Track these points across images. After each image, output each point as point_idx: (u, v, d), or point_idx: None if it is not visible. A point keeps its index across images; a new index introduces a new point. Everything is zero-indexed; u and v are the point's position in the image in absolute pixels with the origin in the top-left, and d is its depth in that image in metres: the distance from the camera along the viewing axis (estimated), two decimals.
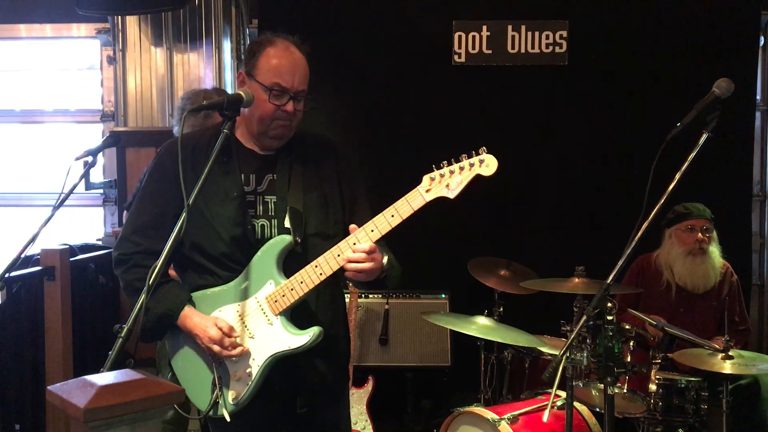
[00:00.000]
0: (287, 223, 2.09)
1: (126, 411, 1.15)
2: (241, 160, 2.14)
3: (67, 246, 3.78)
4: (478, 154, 1.98)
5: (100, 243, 4.62)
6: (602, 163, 4.55)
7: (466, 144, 2.07)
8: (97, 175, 4.75)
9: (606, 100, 4.52)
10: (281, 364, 2.06)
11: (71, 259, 3.70)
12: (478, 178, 1.97)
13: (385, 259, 2.08)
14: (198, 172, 1.91)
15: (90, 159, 3.37)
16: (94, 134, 4.90)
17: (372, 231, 2.01)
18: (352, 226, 2.03)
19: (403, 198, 2.00)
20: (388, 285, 2.16)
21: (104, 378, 1.20)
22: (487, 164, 1.96)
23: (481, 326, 3.21)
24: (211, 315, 2.09)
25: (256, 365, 2.05)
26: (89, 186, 4.32)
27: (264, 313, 2.07)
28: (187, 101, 3.43)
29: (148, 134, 4.49)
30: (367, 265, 1.99)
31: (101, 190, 4.75)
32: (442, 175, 1.98)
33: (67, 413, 1.12)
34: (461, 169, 1.97)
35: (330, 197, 2.18)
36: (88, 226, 4.99)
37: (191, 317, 2.06)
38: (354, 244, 2.01)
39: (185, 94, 3.51)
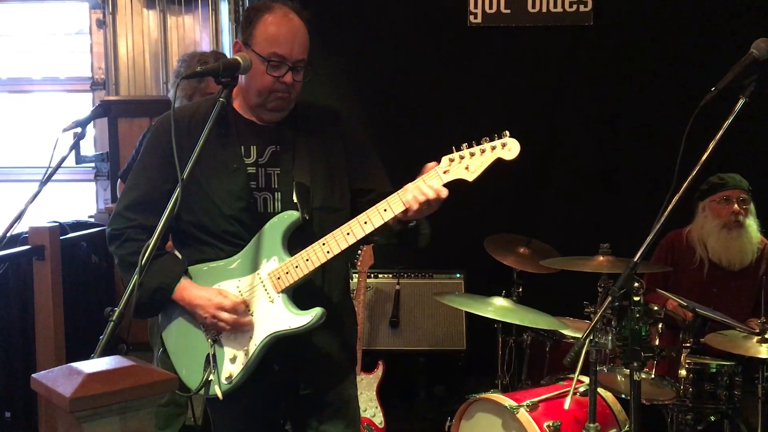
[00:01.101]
0: (294, 198, 2.11)
1: (115, 400, 1.15)
2: (240, 131, 2.15)
3: (57, 223, 3.79)
4: (500, 136, 1.99)
5: (92, 220, 4.64)
6: (630, 133, 4.50)
7: (482, 114, 2.06)
8: (88, 148, 4.76)
9: (634, 65, 4.45)
10: (282, 343, 2.09)
11: (62, 238, 3.71)
12: (499, 162, 1.98)
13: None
14: (194, 145, 1.91)
15: (78, 130, 3.38)
16: (85, 104, 4.89)
17: (385, 210, 2.02)
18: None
19: (419, 178, 2.02)
20: (420, 242, 2.19)
21: (92, 365, 1.20)
22: (509, 148, 1.97)
23: (498, 308, 3.20)
24: None
25: (253, 344, 2.08)
26: (80, 159, 4.36)
27: (265, 290, 2.09)
28: (183, 64, 3.41)
29: (141, 104, 4.49)
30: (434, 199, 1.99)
31: (92, 164, 4.76)
32: (462, 157, 2.00)
33: (52, 402, 1.12)
34: (482, 151, 1.98)
35: (336, 169, 2.20)
36: (79, 202, 5.00)
37: (189, 289, 2.10)
38: (365, 223, 2.01)
39: (182, 57, 3.50)
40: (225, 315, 2.05)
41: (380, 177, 2.16)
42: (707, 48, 4.28)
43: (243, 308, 2.07)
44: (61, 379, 1.14)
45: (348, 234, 2.03)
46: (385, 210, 2.02)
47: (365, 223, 2.03)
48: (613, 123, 4.52)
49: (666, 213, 2.02)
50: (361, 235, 2.03)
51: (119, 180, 3.73)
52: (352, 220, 2.04)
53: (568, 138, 4.55)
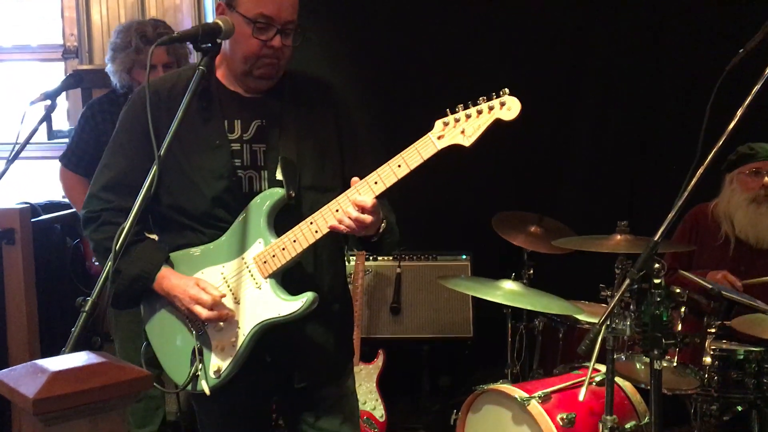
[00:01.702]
0: (279, 175, 2.10)
1: (83, 401, 1.13)
2: (224, 104, 2.14)
3: (28, 205, 3.77)
4: (498, 95, 1.95)
5: (66, 201, 4.60)
6: (650, 101, 4.46)
7: (486, 81, 2.03)
8: (60, 122, 4.71)
9: (657, 25, 4.40)
10: (273, 333, 2.08)
11: (33, 220, 3.69)
12: (499, 123, 1.94)
13: (383, 225, 2.09)
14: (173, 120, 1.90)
15: (48, 103, 3.35)
16: (58, 73, 4.84)
17: (375, 183, 2.00)
18: (354, 179, 2.02)
19: (411, 146, 1.98)
20: (381, 250, 2.19)
21: (58, 362, 1.19)
22: (508, 107, 1.94)
23: (507, 292, 3.21)
24: (193, 276, 2.12)
25: (241, 334, 2.07)
26: (52, 135, 4.31)
27: (252, 275, 2.08)
28: (119, 36, 3.38)
29: None
30: (365, 218, 1.98)
31: (66, 140, 4.70)
32: (456, 120, 1.96)
33: (15, 404, 1.10)
34: (479, 113, 1.95)
35: (327, 145, 2.19)
36: (52, 181, 4.96)
37: (169, 278, 2.09)
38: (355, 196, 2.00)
39: (116, 29, 3.48)
40: (199, 310, 2.04)
41: (369, 165, 2.13)
42: (743, 6, 4.20)
43: (215, 299, 2.05)
44: (24, 378, 1.12)
45: (338, 211, 2.02)
46: (311, 223, 2.02)
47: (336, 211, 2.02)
48: (632, 93, 4.48)
49: (689, 187, 2.02)
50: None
51: (60, 165, 3.68)
52: (341, 195, 2.03)
53: (585, 107, 4.51)
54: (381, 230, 2.09)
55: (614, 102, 4.49)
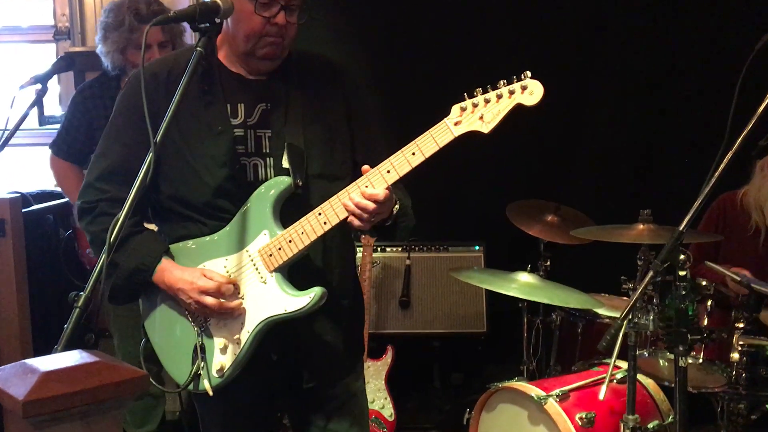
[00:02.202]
0: (285, 163, 2.09)
1: (76, 402, 1.13)
2: (226, 87, 2.12)
3: (19, 194, 3.77)
4: (519, 78, 1.93)
5: (59, 190, 4.61)
6: (673, 81, 4.43)
7: (502, 63, 2.01)
8: (52, 107, 4.71)
9: (678, 1, 4.36)
10: (279, 330, 2.08)
11: (24, 210, 3.70)
12: (520, 108, 1.92)
13: (396, 207, 2.08)
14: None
15: (39, 87, 3.35)
16: (50, 56, 4.84)
17: (388, 172, 1.98)
18: (365, 167, 2.01)
19: (426, 132, 1.97)
20: (394, 235, 2.18)
21: (49, 362, 1.18)
22: (530, 91, 1.92)
23: (523, 284, 3.20)
24: None
25: (245, 331, 2.07)
26: (43, 120, 4.31)
27: (256, 269, 2.08)
28: (110, 15, 3.36)
29: None
30: (378, 209, 1.97)
31: (58, 125, 4.70)
32: (475, 105, 1.94)
33: (3, 406, 1.10)
34: (498, 97, 1.93)
35: (336, 131, 2.17)
36: (44, 169, 4.97)
37: (171, 271, 2.09)
38: (366, 188, 1.99)
39: (107, 7, 3.46)
40: (209, 300, 2.03)
41: (381, 151, 2.12)
42: None
43: (230, 290, 2.05)
44: (14, 378, 1.12)
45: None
46: (366, 187, 1.99)
47: (366, 188, 2.00)
48: (655, 74, 4.45)
49: (717, 173, 2.01)
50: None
51: (50, 152, 3.68)
52: (351, 185, 2.01)
53: (606, 88, 4.49)
54: (394, 214, 2.08)
55: (635, 83, 4.46)
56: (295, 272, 2.09)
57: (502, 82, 1.94)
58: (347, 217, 2.01)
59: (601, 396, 2.79)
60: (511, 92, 1.92)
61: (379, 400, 3.98)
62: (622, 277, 3.26)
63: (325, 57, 2.30)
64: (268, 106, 2.13)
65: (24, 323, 3.47)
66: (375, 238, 2.19)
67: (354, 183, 2.00)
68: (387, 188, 1.97)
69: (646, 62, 4.44)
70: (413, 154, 1.96)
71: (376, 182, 1.98)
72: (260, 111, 2.13)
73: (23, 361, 1.18)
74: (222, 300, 2.04)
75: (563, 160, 4.52)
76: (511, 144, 4.01)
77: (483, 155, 4.01)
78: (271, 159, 2.11)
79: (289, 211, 2.08)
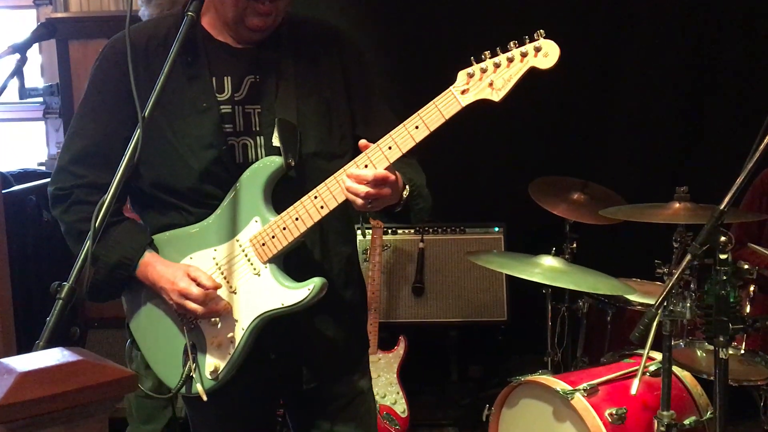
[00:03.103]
0: (276, 141, 2.06)
1: (58, 406, 1.11)
2: (212, 58, 2.09)
3: None
4: (532, 39, 1.88)
5: (42, 168, 4.64)
6: (710, 48, 4.41)
7: (518, 23, 1.97)
8: (34, 79, 4.72)
9: None
10: (276, 326, 2.06)
11: (5, 191, 3.70)
12: (533, 72, 1.88)
13: (406, 191, 2.05)
14: (154, 77, 1.86)
15: (18, 57, 3.33)
16: (30, 23, 4.84)
17: (390, 149, 1.95)
18: (363, 142, 1.98)
19: (431, 103, 1.93)
20: (408, 219, 2.15)
21: (27, 361, 1.17)
22: (545, 53, 1.87)
23: (547, 269, 3.20)
24: (180, 263, 2.10)
25: (240, 329, 2.05)
26: (24, 94, 4.28)
27: (249, 260, 2.06)
28: None
29: (96, 22, 4.43)
30: (373, 191, 1.93)
31: (40, 99, 4.73)
32: (483, 70, 1.90)
33: None
34: (509, 60, 1.89)
35: (333, 104, 2.14)
36: (25, 146, 4.99)
37: (154, 266, 2.07)
38: (366, 167, 1.95)
39: None
40: (191, 306, 2.01)
41: (384, 124, 2.09)
42: None
43: (213, 295, 2.02)
44: None
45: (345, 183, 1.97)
46: (366, 167, 1.95)
47: (366, 167, 1.96)
48: (691, 39, 4.42)
49: (762, 147, 1.99)
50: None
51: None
52: (350, 163, 1.97)
53: (636, 54, 4.46)
54: (405, 198, 2.05)
55: (669, 48, 4.43)
56: (291, 262, 2.07)
57: (513, 43, 1.89)
58: (347, 200, 1.98)
59: (633, 390, 2.77)
60: (524, 55, 1.87)
61: (390, 395, 3.99)
62: (656, 261, 3.25)
63: (320, 21, 2.26)
64: (257, 79, 2.10)
65: (6, 314, 3.48)
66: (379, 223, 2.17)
67: (352, 162, 1.97)
68: (387, 168, 1.93)
69: (683, 23, 4.42)
70: (416, 127, 1.92)
71: (376, 160, 1.95)
72: (249, 84, 2.10)
73: None
74: (203, 308, 2.00)
75: (591, 132, 4.50)
76: (534, 115, 4.00)
77: (502, 127, 4.01)
78: (262, 138, 2.08)
79: (282, 194, 2.06)
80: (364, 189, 1.91)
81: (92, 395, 1.15)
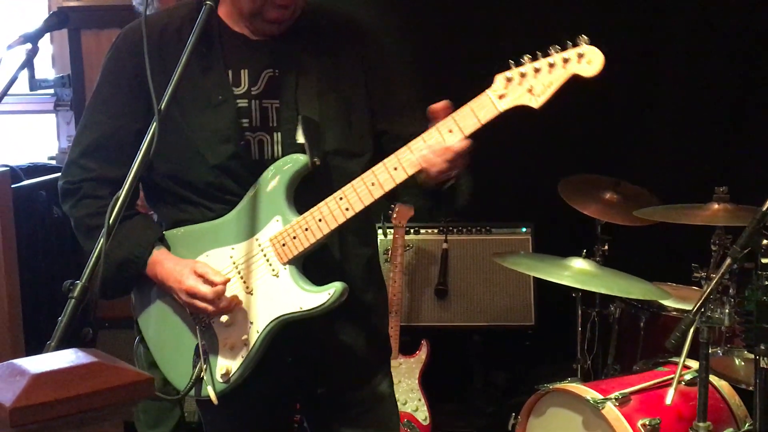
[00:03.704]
0: (300, 138, 2.06)
1: (71, 410, 1.12)
2: (227, 49, 2.10)
3: (8, 167, 3.81)
4: (575, 44, 1.89)
5: (53, 162, 4.67)
6: (755, 45, 4.36)
7: (554, 23, 1.96)
8: (45, 70, 4.75)
9: None
10: (293, 329, 2.07)
11: (14, 186, 3.73)
12: (575, 79, 1.88)
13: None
14: (168, 69, 1.87)
15: (29, 47, 3.35)
16: (41, 12, 4.87)
17: (420, 151, 1.95)
18: (441, 104, 1.96)
19: (465, 106, 1.93)
20: (458, 202, 2.15)
21: (40, 363, 1.17)
22: (588, 60, 1.87)
23: (577, 272, 3.20)
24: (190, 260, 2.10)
25: (254, 331, 2.06)
26: (34, 85, 4.34)
27: (267, 260, 2.06)
28: None
29: (110, 11, 4.46)
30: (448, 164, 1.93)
31: (51, 91, 4.76)
32: (522, 75, 1.90)
33: None
34: (550, 66, 1.88)
35: (353, 101, 2.15)
36: (35, 139, 5.02)
37: (162, 263, 2.08)
38: (395, 169, 1.95)
39: None
40: (200, 305, 2.01)
41: (410, 116, 2.08)
42: None
43: (221, 292, 2.01)
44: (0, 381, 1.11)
45: (373, 185, 1.97)
46: (395, 169, 1.96)
47: (395, 169, 1.96)
48: (732, 32, 4.38)
49: None
50: (390, 186, 1.97)
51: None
52: (378, 165, 1.98)
53: (673, 46, 4.44)
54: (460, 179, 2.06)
55: (708, 40, 4.40)
56: (310, 263, 2.07)
57: (554, 48, 1.89)
58: (374, 203, 1.99)
59: (668, 400, 2.75)
60: (566, 60, 1.87)
61: (411, 401, 3.99)
62: (693, 265, 3.23)
63: (341, 11, 2.26)
64: (275, 72, 2.10)
65: (14, 313, 3.51)
66: (426, 204, 2.14)
67: (381, 163, 1.97)
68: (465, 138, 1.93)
69: (730, 21, 4.39)
70: (450, 131, 1.92)
71: (405, 162, 1.95)
72: (266, 78, 2.10)
73: (10, 361, 1.17)
74: (210, 305, 2.01)
75: (625, 127, 4.48)
76: (564, 109, 3.95)
77: (531, 123, 3.93)
78: (279, 134, 2.09)
79: (299, 193, 2.06)
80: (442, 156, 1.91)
81: (107, 399, 1.15)
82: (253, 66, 2.10)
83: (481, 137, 2.04)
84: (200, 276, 2.01)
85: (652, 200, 3.74)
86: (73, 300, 1.64)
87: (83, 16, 4.44)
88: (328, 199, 2.00)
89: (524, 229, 4.30)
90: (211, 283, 2.00)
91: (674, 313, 3.45)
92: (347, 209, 1.99)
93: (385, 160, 1.97)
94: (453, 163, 1.92)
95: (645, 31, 4.41)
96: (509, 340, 4.35)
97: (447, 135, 1.93)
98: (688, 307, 2.28)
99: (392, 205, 3.95)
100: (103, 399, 1.15)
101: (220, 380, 2.08)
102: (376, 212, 2.24)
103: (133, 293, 2.21)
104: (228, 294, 2.04)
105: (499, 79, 1.92)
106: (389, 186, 1.97)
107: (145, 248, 2.08)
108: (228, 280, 2.04)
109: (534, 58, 1.90)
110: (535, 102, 1.89)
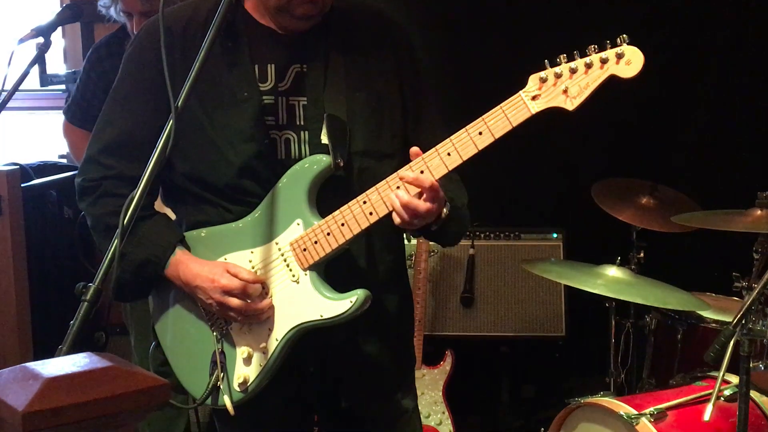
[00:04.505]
0: (324, 138, 2.06)
1: (85, 415, 1.13)
2: (254, 44, 2.11)
3: (18, 166, 3.83)
4: (614, 44, 1.88)
5: (63, 161, 4.68)
6: None
7: (592, 19, 1.96)
8: (56, 65, 4.78)
9: None
10: (314, 337, 2.07)
11: (24, 185, 3.76)
12: (613, 80, 1.88)
13: (445, 211, 2.05)
14: (191, 64, 1.88)
15: (41, 41, 3.39)
16: (53, 5, 4.91)
17: (449, 155, 1.95)
18: (414, 149, 1.98)
19: (497, 107, 1.94)
20: (442, 239, 2.18)
21: (54, 366, 1.19)
22: (627, 60, 1.87)
23: (611, 280, 3.19)
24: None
25: (273, 339, 2.06)
26: (45, 80, 4.38)
27: (287, 265, 2.07)
28: None
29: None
30: (422, 206, 1.95)
31: (63, 87, 4.78)
32: (558, 75, 1.90)
33: (1, 417, 1.11)
34: (587, 66, 1.88)
35: (384, 99, 2.15)
36: (46, 137, 5.05)
37: (187, 264, 2.09)
38: (422, 172, 1.96)
39: None
40: (234, 302, 2.02)
41: (434, 128, 2.10)
42: None
43: (258, 290, 2.05)
44: (12, 385, 1.13)
45: (399, 188, 1.97)
46: (421, 172, 1.97)
47: (422, 173, 1.97)
48: None
49: None
50: (417, 189, 1.98)
51: (64, 119, 3.75)
52: (404, 168, 1.98)
53: (714, 43, 4.40)
54: (443, 216, 2.05)
55: (752, 36, 4.37)
56: (332, 267, 2.08)
57: (591, 47, 1.89)
58: None
59: (707, 416, 2.74)
60: (604, 61, 1.87)
61: (435, 414, 3.99)
62: (734, 274, 3.23)
63: (372, 6, 2.27)
64: (303, 69, 2.11)
65: (23, 317, 3.53)
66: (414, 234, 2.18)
67: (408, 165, 1.98)
68: (435, 180, 1.95)
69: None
70: (480, 133, 1.92)
71: (434, 167, 1.95)
72: (294, 74, 2.11)
73: (24, 365, 1.19)
74: (249, 301, 2.03)
75: (662, 129, 4.44)
76: (598, 108, 3.94)
77: (562, 122, 3.94)
78: (306, 133, 2.10)
79: (325, 194, 2.07)
80: (417, 203, 1.93)
81: (122, 404, 1.16)
82: (281, 61, 2.11)
83: (511, 137, 2.05)
84: (233, 275, 2.03)
85: (690, 205, 3.73)
86: (86, 303, 1.64)
87: (95, 9, 4.47)
88: (351, 203, 2.01)
89: (555, 235, 4.27)
90: (245, 281, 2.03)
91: (713, 324, 3.41)
92: (371, 213, 2.00)
93: (411, 163, 1.98)
94: (423, 212, 1.96)
95: (687, 29, 4.38)
96: (538, 351, 4.34)
97: (477, 137, 1.93)
98: (728, 319, 2.27)
99: None
100: (118, 404, 1.16)
101: (238, 389, 2.09)
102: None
103: (151, 299, 2.23)
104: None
105: (533, 79, 1.92)
106: (416, 189, 1.97)
107: (166, 249, 2.09)
108: (262, 280, 2.05)
109: (570, 59, 1.90)
110: (570, 104, 1.90)
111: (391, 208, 1.97)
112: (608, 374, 3.88)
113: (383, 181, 1.99)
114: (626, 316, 3.85)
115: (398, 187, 1.97)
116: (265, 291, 2.08)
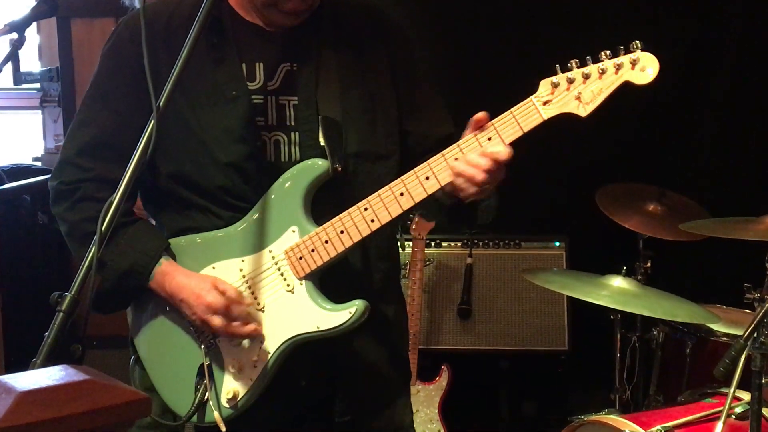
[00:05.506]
0: (321, 140, 2.07)
1: (62, 431, 1.13)
2: (241, 41, 2.12)
3: None
4: (628, 50, 1.91)
5: (38, 164, 4.69)
6: None
7: (603, 24, 1.97)
8: (31, 62, 4.79)
9: None
10: (308, 350, 2.07)
11: None
12: (627, 86, 1.90)
13: None
14: (175, 61, 1.87)
15: (15, 37, 3.39)
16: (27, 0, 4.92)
17: (456, 159, 1.97)
18: (480, 115, 1.98)
19: (507, 112, 1.96)
20: (480, 220, 2.17)
21: (28, 380, 1.18)
22: (642, 66, 1.89)
23: (616, 291, 3.17)
24: (201, 273, 2.11)
25: (265, 352, 2.06)
26: (19, 79, 4.38)
27: (282, 274, 2.07)
28: None
29: None
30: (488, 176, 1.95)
31: (37, 85, 4.79)
32: (570, 81, 1.92)
33: None
34: (601, 72, 1.91)
35: (378, 98, 2.16)
36: (20, 139, 5.05)
37: (173, 276, 2.08)
38: (427, 178, 1.97)
39: None
40: (217, 322, 2.02)
41: (437, 116, 2.10)
42: None
43: (243, 312, 2.03)
44: None
45: (402, 195, 1.98)
46: (427, 178, 1.97)
47: (427, 178, 1.98)
48: None
49: None
50: (421, 197, 1.99)
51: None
52: (408, 174, 1.99)
53: (725, 45, 4.43)
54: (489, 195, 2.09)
55: (764, 40, 4.40)
56: (327, 277, 2.08)
57: (605, 53, 1.91)
58: (402, 214, 2.01)
59: None
60: (618, 66, 1.89)
61: (431, 431, 3.99)
62: (746, 285, 3.25)
63: (365, 1, 2.28)
64: (294, 67, 2.12)
65: None
66: (443, 221, 2.17)
67: (411, 172, 1.99)
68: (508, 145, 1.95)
69: None
70: (489, 139, 1.95)
71: (438, 171, 1.97)
72: (284, 72, 2.12)
73: None
74: (234, 323, 2.02)
75: (670, 132, 4.48)
76: (603, 112, 3.97)
77: (566, 126, 3.97)
78: (297, 134, 2.10)
79: (317, 198, 2.08)
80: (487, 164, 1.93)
81: (100, 419, 1.15)
82: (269, 59, 2.11)
83: (513, 145, 2.07)
84: (221, 292, 2.02)
85: (700, 213, 3.75)
86: (62, 313, 1.64)
87: (74, 3, 4.47)
88: (351, 209, 2.01)
89: (557, 243, 4.30)
90: (236, 302, 2.02)
91: (724, 338, 3.42)
92: (373, 221, 2.01)
93: (416, 169, 1.99)
94: (492, 175, 1.95)
95: (697, 34, 4.42)
96: (540, 366, 4.35)
97: (486, 143, 1.94)
98: (740, 332, 2.27)
99: (411, 215, 3.95)
100: (95, 420, 1.15)
101: (226, 405, 2.08)
102: (396, 223, 2.25)
103: (129, 310, 2.22)
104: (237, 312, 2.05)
105: (545, 84, 1.94)
106: (420, 197, 1.98)
107: (152, 258, 2.08)
108: (250, 303, 2.05)
109: (582, 63, 1.92)
110: (583, 110, 1.93)
111: (399, 211, 1.99)
112: (613, 390, 3.90)
113: (385, 188, 2.00)
114: (632, 329, 3.87)
115: (402, 194, 1.99)
116: (256, 302, 2.07)
